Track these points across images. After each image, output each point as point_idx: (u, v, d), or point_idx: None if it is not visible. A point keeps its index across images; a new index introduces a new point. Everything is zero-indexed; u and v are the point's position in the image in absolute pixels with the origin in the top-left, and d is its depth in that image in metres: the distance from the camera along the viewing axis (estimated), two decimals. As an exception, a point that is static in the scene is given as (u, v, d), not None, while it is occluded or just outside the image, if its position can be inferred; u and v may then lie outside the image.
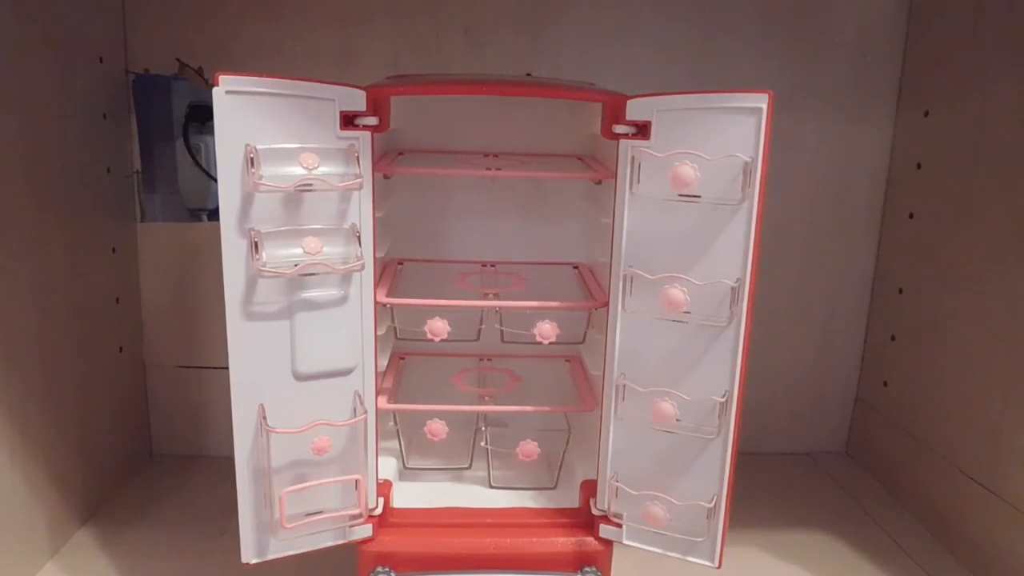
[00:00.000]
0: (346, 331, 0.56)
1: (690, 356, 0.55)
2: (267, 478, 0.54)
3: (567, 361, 0.75)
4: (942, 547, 0.81)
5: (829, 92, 0.91)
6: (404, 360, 0.73)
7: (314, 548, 0.57)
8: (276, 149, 0.50)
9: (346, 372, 0.56)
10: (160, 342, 0.94)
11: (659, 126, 0.53)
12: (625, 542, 0.60)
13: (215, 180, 0.50)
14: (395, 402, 0.64)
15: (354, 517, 0.57)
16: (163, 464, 0.94)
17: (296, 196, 0.52)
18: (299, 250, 0.52)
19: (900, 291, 0.92)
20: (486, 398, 0.66)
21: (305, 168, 0.51)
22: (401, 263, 0.71)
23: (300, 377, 0.55)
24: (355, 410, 0.57)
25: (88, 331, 0.80)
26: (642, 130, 0.54)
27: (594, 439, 0.61)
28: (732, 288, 0.52)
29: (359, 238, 0.54)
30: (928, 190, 0.87)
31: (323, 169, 0.51)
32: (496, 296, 0.63)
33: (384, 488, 0.62)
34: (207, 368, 0.94)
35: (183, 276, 0.92)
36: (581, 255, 0.74)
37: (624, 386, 0.57)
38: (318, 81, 0.51)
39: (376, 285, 0.58)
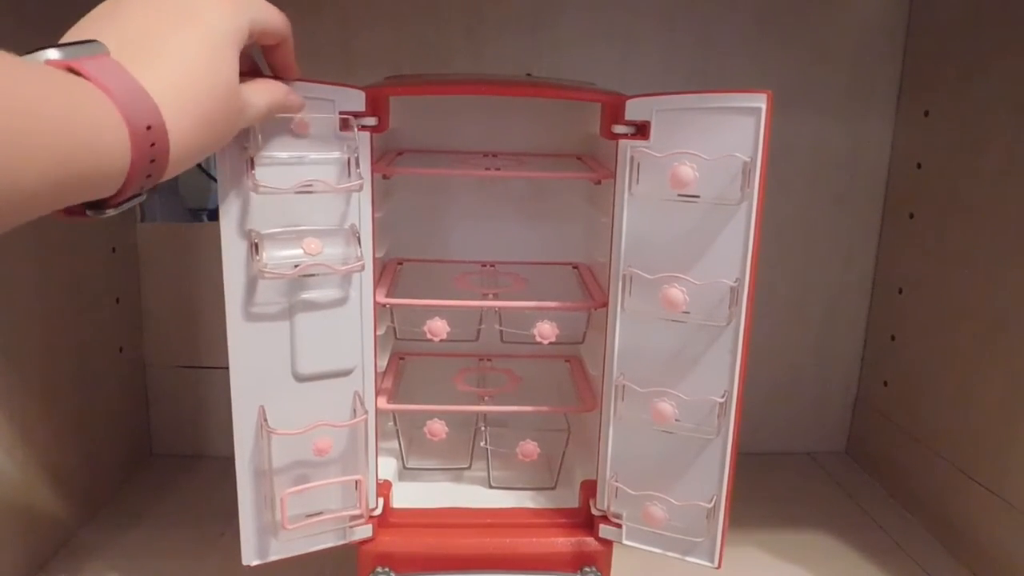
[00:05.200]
0: (346, 332, 0.56)
1: (689, 356, 0.55)
2: (268, 479, 0.54)
3: (567, 361, 0.75)
4: (942, 547, 0.81)
5: (829, 92, 0.91)
6: (404, 360, 0.73)
7: (314, 549, 0.57)
8: (275, 148, 0.50)
9: (346, 372, 0.56)
10: (160, 342, 0.94)
11: (658, 126, 0.53)
12: (625, 542, 0.60)
13: (215, 180, 0.50)
14: (395, 402, 0.64)
15: (354, 518, 0.57)
16: (163, 464, 0.94)
17: (296, 197, 0.52)
18: (299, 251, 0.51)
19: (900, 291, 0.92)
20: (486, 398, 0.66)
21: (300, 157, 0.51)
22: (401, 263, 0.72)
23: (300, 378, 0.55)
24: (355, 411, 0.57)
25: (88, 331, 0.80)
26: (641, 130, 0.54)
27: (594, 439, 0.61)
28: (731, 288, 0.52)
29: (359, 238, 0.54)
30: (928, 190, 0.87)
31: (323, 170, 0.51)
32: (496, 296, 0.63)
33: (384, 488, 0.62)
34: (207, 368, 0.94)
35: (183, 276, 0.92)
36: (580, 255, 0.74)
37: (623, 386, 0.57)
38: (317, 81, 0.51)
39: (376, 285, 0.58)
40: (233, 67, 0.39)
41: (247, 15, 0.40)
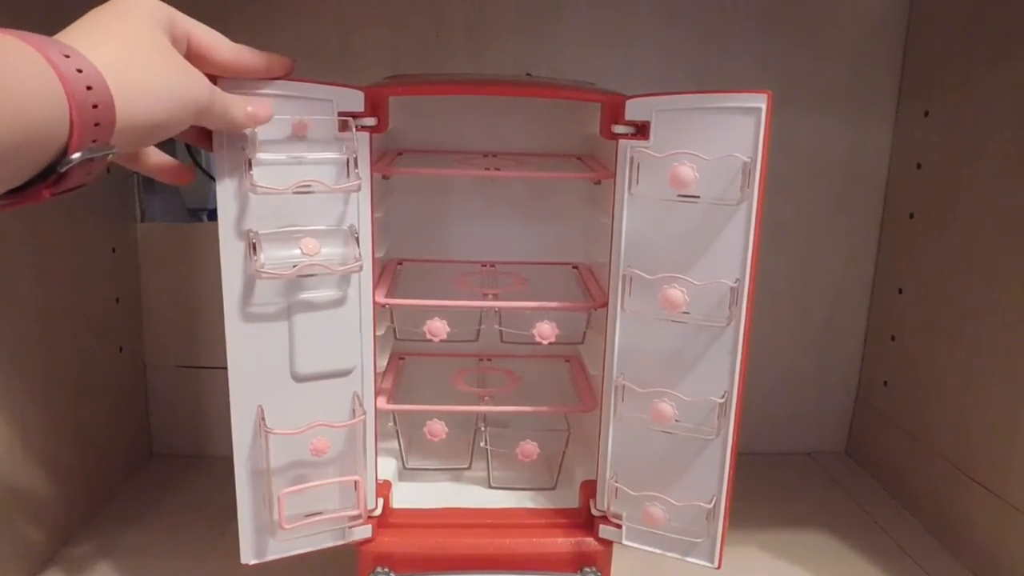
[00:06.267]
0: (345, 332, 0.56)
1: (689, 356, 0.55)
2: (266, 479, 0.54)
3: (567, 361, 0.75)
4: (942, 547, 0.81)
5: (829, 92, 0.91)
6: (403, 360, 0.73)
7: (313, 549, 0.57)
8: (274, 150, 0.50)
9: (345, 373, 0.56)
10: (160, 342, 0.94)
11: (658, 126, 0.53)
12: (624, 543, 0.60)
13: (215, 180, 0.50)
14: (394, 402, 0.64)
15: (353, 518, 0.57)
16: (163, 464, 0.94)
17: (294, 197, 0.52)
18: (297, 251, 0.51)
19: (900, 291, 0.92)
20: (485, 398, 0.66)
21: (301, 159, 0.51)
22: (400, 263, 0.71)
23: (299, 378, 0.55)
24: (354, 411, 0.57)
25: (88, 331, 0.80)
26: (641, 130, 0.54)
27: (594, 439, 0.61)
28: (731, 288, 0.52)
29: (357, 239, 0.54)
30: (928, 190, 0.87)
31: (321, 170, 0.51)
32: (495, 296, 0.63)
33: (383, 488, 0.62)
34: (207, 368, 0.94)
35: (183, 276, 0.92)
36: (580, 255, 0.74)
37: (623, 386, 0.57)
38: (316, 82, 0.51)
39: (375, 286, 0.58)
40: (158, 35, 0.40)
41: (168, 8, 0.42)
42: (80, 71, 0.34)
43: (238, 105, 0.47)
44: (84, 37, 0.37)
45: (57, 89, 0.33)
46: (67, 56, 0.34)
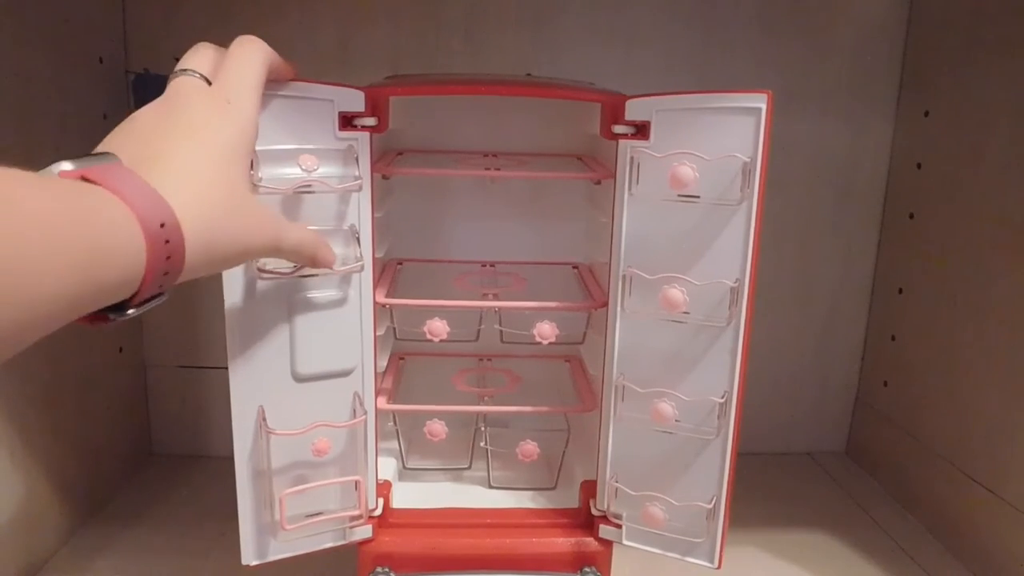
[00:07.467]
0: (345, 332, 0.56)
1: (689, 357, 0.55)
2: (267, 480, 0.54)
3: (567, 361, 0.75)
4: (942, 547, 0.81)
5: (829, 92, 0.91)
6: (404, 360, 0.73)
7: (314, 549, 0.57)
8: (275, 150, 0.50)
9: (345, 373, 0.56)
10: (160, 342, 0.94)
11: (658, 126, 0.53)
12: (624, 543, 0.60)
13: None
14: (395, 403, 0.64)
15: (354, 518, 0.57)
16: (163, 464, 0.94)
17: (295, 197, 0.52)
18: (298, 251, 0.51)
19: (900, 291, 0.92)
20: (486, 398, 0.66)
21: (304, 170, 0.51)
22: (400, 263, 0.72)
23: (299, 378, 0.55)
24: (355, 411, 0.57)
25: (88, 331, 0.80)
26: (641, 130, 0.54)
27: (594, 439, 0.61)
28: (731, 288, 0.52)
29: (358, 239, 0.54)
30: (928, 190, 0.87)
31: (322, 170, 0.51)
32: (495, 296, 0.63)
33: (384, 489, 0.62)
34: (207, 368, 0.94)
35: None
36: (580, 255, 0.74)
37: (623, 386, 0.57)
38: (317, 82, 0.51)
39: (375, 286, 0.58)
40: (240, 173, 0.41)
41: (244, 115, 0.42)
42: (168, 242, 0.34)
43: (308, 250, 0.48)
44: (162, 165, 0.36)
45: (140, 260, 0.33)
46: (162, 226, 0.33)
